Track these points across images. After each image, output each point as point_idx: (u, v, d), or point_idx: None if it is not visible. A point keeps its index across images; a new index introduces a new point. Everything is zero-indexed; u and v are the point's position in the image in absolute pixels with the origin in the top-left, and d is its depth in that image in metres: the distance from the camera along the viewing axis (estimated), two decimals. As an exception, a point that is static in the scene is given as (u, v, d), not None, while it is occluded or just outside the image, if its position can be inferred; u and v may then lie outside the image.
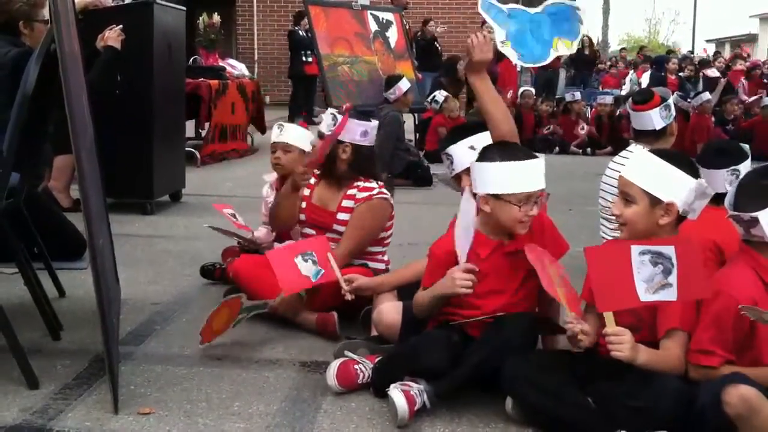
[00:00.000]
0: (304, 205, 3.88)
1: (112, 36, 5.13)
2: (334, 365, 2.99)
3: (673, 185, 2.68)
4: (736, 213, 2.59)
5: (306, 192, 3.89)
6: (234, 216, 4.43)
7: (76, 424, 2.67)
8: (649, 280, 2.49)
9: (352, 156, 3.79)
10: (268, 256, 3.52)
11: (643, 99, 4.01)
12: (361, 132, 3.79)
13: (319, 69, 10.09)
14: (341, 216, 3.79)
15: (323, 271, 3.47)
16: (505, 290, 3.00)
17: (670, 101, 3.89)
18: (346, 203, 3.80)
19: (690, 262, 2.47)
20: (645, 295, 2.49)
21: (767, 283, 2.56)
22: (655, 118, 3.86)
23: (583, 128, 12.00)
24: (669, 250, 2.49)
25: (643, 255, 2.50)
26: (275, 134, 4.55)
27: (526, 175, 2.88)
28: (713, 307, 2.55)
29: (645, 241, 2.58)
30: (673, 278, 2.48)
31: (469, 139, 3.31)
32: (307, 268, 3.45)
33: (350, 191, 3.81)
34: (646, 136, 3.90)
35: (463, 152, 3.32)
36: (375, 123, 3.90)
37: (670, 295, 2.49)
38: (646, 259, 2.49)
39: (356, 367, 2.99)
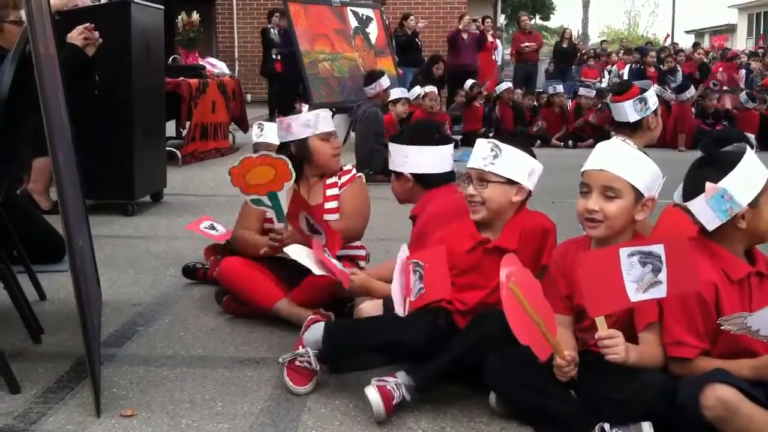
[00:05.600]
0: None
1: (72, 35, 4.60)
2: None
3: (654, 180, 2.68)
4: (676, 203, 2.60)
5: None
6: (212, 227, 4.33)
7: (58, 428, 2.65)
8: (639, 280, 2.44)
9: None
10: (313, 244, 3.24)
11: (620, 90, 4.01)
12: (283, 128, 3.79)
13: (300, 66, 10.06)
14: (329, 204, 3.73)
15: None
16: (484, 286, 2.99)
17: (647, 95, 3.84)
18: (330, 192, 3.76)
19: (679, 257, 2.43)
20: (635, 295, 2.45)
21: (725, 270, 2.54)
22: (628, 110, 3.84)
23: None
24: (658, 249, 2.44)
25: (632, 256, 2.44)
26: (256, 134, 4.53)
27: None
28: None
29: (631, 242, 2.54)
30: (662, 275, 2.43)
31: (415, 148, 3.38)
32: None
33: (330, 180, 3.77)
34: (624, 128, 3.91)
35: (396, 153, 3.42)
36: (303, 115, 3.84)
37: (660, 292, 2.45)
38: (635, 260, 2.44)
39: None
